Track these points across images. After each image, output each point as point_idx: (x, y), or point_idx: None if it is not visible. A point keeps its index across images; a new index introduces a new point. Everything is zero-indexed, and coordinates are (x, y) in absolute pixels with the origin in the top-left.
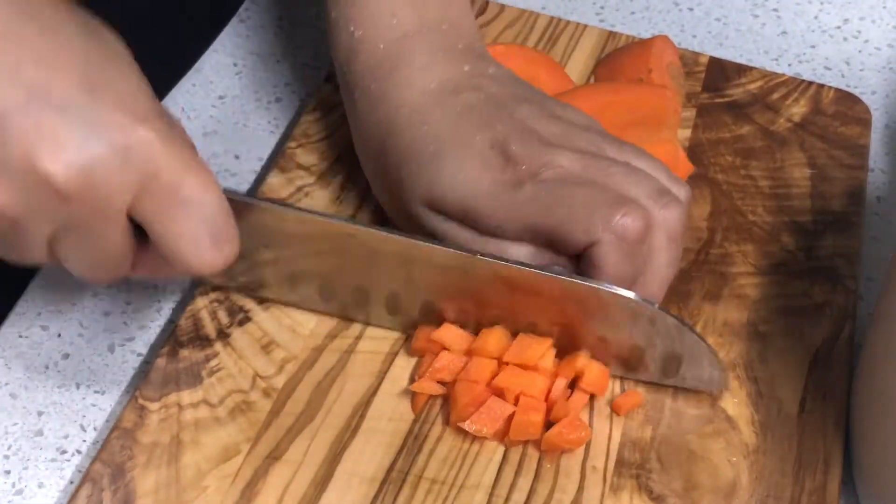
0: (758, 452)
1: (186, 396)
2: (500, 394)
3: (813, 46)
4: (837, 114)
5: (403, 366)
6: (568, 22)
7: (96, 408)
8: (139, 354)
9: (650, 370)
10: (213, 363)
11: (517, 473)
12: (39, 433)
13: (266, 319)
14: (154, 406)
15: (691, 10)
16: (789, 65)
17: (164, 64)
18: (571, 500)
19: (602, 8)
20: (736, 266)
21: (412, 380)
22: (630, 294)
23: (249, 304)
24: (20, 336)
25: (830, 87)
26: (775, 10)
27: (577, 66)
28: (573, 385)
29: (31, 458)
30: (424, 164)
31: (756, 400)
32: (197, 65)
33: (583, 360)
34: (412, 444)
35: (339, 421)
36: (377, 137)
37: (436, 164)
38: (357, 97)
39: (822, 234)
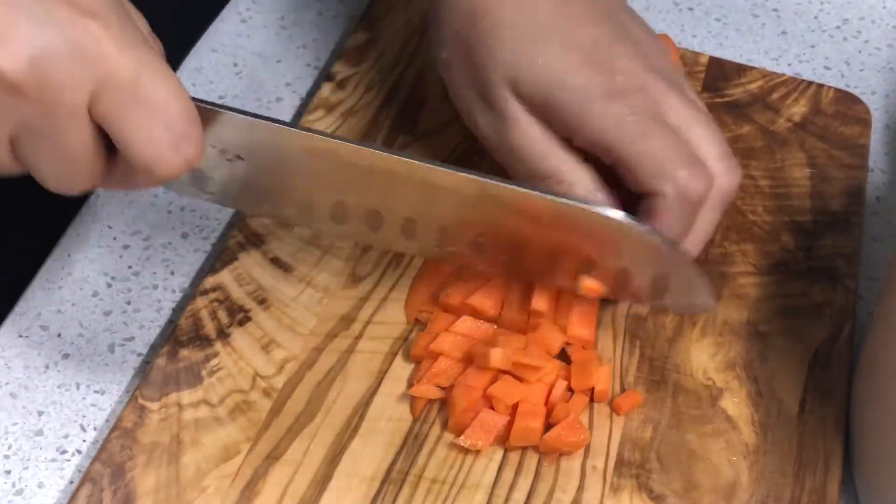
0: (758, 452)
1: (186, 396)
2: (495, 402)
3: (813, 46)
4: (837, 114)
5: (403, 366)
6: None
7: (96, 408)
8: (139, 354)
9: (646, 294)
10: (213, 363)
11: (517, 473)
12: (39, 433)
13: (266, 319)
14: (154, 406)
15: (691, 10)
16: (789, 65)
17: (180, 27)
18: (571, 499)
19: None
20: (736, 266)
21: (410, 384)
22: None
23: (250, 303)
24: (20, 336)
25: (830, 87)
26: (775, 10)
27: None
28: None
29: (31, 458)
30: (522, 41)
31: (756, 400)
32: (196, 64)
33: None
34: (412, 443)
35: (338, 421)
36: (467, 8)
37: (535, 43)
38: None
39: (821, 233)
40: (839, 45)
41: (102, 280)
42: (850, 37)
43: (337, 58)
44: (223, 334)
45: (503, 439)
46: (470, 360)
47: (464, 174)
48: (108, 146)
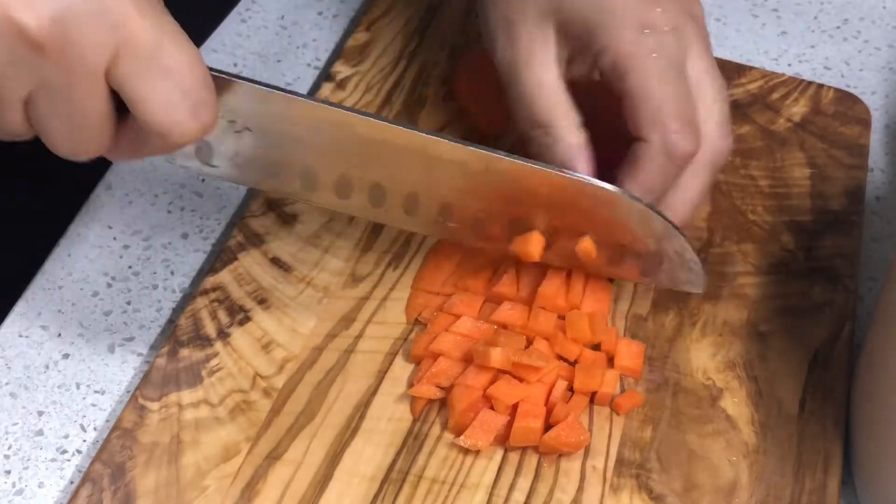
0: (758, 452)
1: (186, 396)
2: (495, 402)
3: (813, 46)
4: (837, 114)
5: (403, 366)
6: None
7: (96, 408)
8: (139, 354)
9: (636, 270)
10: (213, 363)
11: (517, 473)
12: (39, 433)
13: (266, 319)
14: (154, 406)
15: None
16: (789, 65)
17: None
18: (571, 499)
19: None
20: (736, 266)
21: (410, 384)
22: (614, 189)
23: (250, 303)
24: (20, 336)
25: (830, 87)
26: (775, 10)
27: None
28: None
29: (31, 458)
30: None
31: (756, 400)
32: None
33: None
34: (412, 443)
35: (339, 420)
36: None
37: None
38: None
39: (821, 233)
40: (839, 45)
41: (102, 280)
42: (850, 37)
43: (337, 58)
44: (223, 334)
45: (503, 439)
46: (470, 360)
47: (470, 147)
48: (119, 112)
